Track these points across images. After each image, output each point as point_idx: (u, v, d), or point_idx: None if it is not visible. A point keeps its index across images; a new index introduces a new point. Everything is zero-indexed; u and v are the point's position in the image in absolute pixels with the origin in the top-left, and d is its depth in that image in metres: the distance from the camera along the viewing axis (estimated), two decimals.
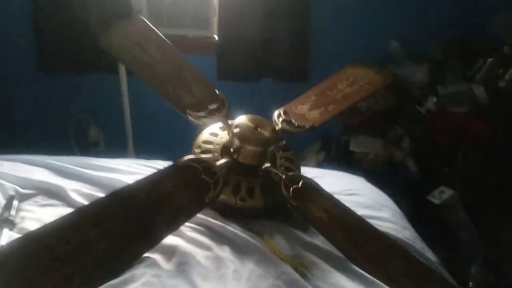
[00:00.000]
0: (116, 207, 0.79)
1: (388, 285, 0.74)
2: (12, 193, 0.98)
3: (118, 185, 1.01)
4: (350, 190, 1.10)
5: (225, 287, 0.72)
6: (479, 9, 1.89)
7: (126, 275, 0.71)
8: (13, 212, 0.90)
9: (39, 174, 1.06)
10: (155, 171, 1.05)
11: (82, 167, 1.10)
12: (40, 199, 0.98)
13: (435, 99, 1.86)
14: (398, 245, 0.84)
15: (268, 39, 1.97)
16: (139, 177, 1.03)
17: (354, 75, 1.17)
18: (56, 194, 0.99)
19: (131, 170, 1.13)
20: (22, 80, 2.10)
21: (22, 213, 0.92)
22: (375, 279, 0.75)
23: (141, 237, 0.78)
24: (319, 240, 0.85)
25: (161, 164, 1.18)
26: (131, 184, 0.85)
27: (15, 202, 0.93)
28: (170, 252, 0.79)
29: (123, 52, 1.09)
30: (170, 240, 0.81)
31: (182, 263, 0.76)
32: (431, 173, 1.84)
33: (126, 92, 1.98)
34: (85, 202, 0.95)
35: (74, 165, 1.11)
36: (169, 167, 0.88)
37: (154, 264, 0.75)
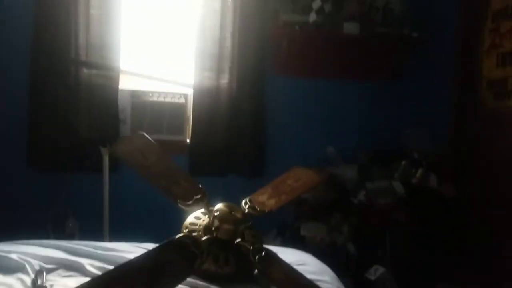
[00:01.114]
0: (131, 272, 1.10)
1: None
2: (37, 267, 1.24)
3: (122, 261, 1.31)
4: (300, 261, 1.45)
5: None
6: (394, 124, 2.48)
7: None
8: (44, 280, 1.16)
9: (56, 253, 1.33)
10: (145, 251, 1.37)
11: (89, 248, 1.39)
12: (61, 271, 1.25)
13: (364, 193, 2.33)
14: None
15: (231, 143, 2.43)
16: (136, 254, 1.34)
17: (299, 174, 1.61)
18: (74, 268, 1.26)
19: (128, 250, 1.42)
20: (10, 174, 2.34)
21: (49, 282, 1.18)
22: None
23: None
24: None
25: (150, 246, 1.47)
26: (139, 256, 1.16)
27: (44, 274, 1.20)
28: None
29: (129, 159, 1.46)
30: None
31: None
32: (367, 253, 2.22)
33: (107, 189, 2.30)
34: (99, 273, 1.22)
35: (82, 246, 1.40)
36: (166, 242, 1.20)
37: None
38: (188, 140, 2.47)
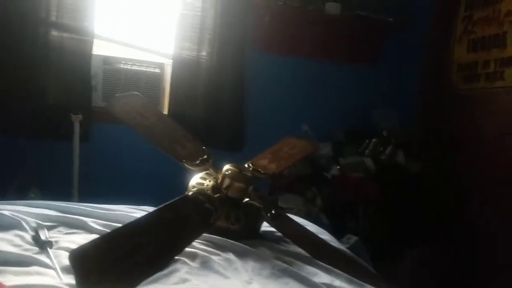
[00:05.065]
0: (150, 225, 1.07)
1: (333, 267, 1.12)
2: (34, 225, 1.15)
3: (128, 219, 1.26)
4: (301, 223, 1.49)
5: (240, 274, 1.03)
6: (366, 105, 2.60)
7: (170, 268, 0.98)
8: (47, 236, 1.09)
9: (50, 212, 1.25)
10: (145, 212, 1.33)
11: (86, 208, 1.32)
12: (61, 229, 1.17)
13: (338, 167, 2.43)
14: (332, 246, 1.26)
15: (209, 117, 2.40)
16: (139, 215, 1.31)
17: (293, 143, 1.65)
18: (76, 225, 1.19)
19: (127, 211, 1.37)
20: None
21: (52, 239, 1.10)
22: (329, 267, 1.13)
23: (171, 245, 1.06)
24: (291, 248, 1.22)
25: (148, 208, 1.43)
26: (154, 211, 1.13)
27: (45, 229, 1.12)
28: (193, 256, 1.07)
29: (128, 119, 1.40)
30: (188, 249, 1.09)
31: (204, 262, 1.05)
32: (338, 224, 2.33)
33: (77, 158, 2.18)
34: (107, 230, 1.17)
35: (77, 206, 1.32)
36: (181, 197, 1.19)
37: (185, 263, 1.03)
38: (164, 112, 2.40)
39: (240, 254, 1.13)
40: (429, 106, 2.49)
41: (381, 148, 2.49)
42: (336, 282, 1.06)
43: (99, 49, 2.35)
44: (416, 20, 2.46)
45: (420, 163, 2.40)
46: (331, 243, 1.38)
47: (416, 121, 2.51)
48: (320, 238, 1.27)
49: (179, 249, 1.06)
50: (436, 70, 2.42)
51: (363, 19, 2.39)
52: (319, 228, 1.55)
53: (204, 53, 2.40)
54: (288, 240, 1.28)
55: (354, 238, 2.21)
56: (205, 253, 1.10)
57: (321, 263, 1.15)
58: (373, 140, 2.49)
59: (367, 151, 2.49)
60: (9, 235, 1.07)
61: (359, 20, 2.39)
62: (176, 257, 1.04)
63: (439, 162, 2.37)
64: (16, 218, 1.14)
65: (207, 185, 1.34)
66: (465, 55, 2.22)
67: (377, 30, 2.50)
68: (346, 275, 1.10)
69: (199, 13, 2.36)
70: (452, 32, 2.30)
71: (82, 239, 1.11)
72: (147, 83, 2.43)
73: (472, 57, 2.16)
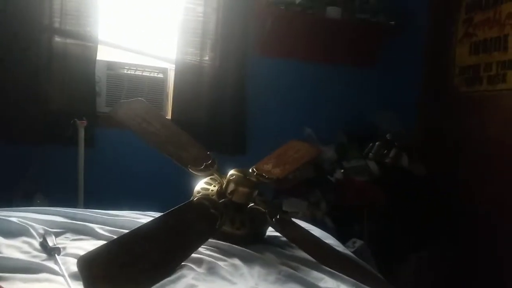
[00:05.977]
0: (156, 230, 1.08)
1: (339, 272, 1.13)
2: (41, 231, 1.16)
3: (134, 225, 1.27)
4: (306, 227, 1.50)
5: (246, 280, 1.03)
6: (368, 107, 2.61)
7: (177, 274, 0.98)
8: (55, 242, 1.09)
9: (58, 219, 1.26)
10: (150, 218, 1.34)
11: (92, 214, 1.33)
12: (69, 235, 1.18)
13: (342, 171, 2.44)
14: (338, 251, 1.26)
15: (213, 122, 2.41)
16: (144, 220, 1.32)
17: (297, 146, 1.65)
18: (83, 231, 1.20)
19: (133, 216, 1.38)
20: None
21: (60, 245, 1.11)
22: (335, 272, 1.13)
23: (177, 251, 1.07)
24: (296, 253, 1.22)
25: (154, 214, 1.44)
26: (159, 217, 1.14)
27: (53, 236, 1.13)
28: (199, 262, 1.08)
29: (132, 125, 1.41)
30: (194, 255, 1.10)
31: (210, 268, 1.06)
32: (344, 228, 2.33)
33: (82, 164, 2.19)
34: (113, 236, 1.18)
35: (83, 212, 1.33)
36: (186, 203, 1.19)
37: (192, 269, 1.04)
38: (168, 117, 2.41)
39: (246, 260, 1.13)
40: (430, 109, 2.50)
41: (385, 151, 2.49)
42: (342, 287, 1.06)
43: (102, 54, 2.36)
44: (417, 24, 2.47)
45: (424, 166, 2.40)
46: (336, 248, 1.38)
47: (418, 124, 2.52)
48: (325, 242, 1.27)
49: (185, 255, 1.07)
50: (437, 73, 2.43)
51: (364, 23, 2.40)
52: (324, 232, 1.55)
53: (206, 58, 2.42)
54: (293, 245, 1.28)
55: (359, 242, 2.21)
56: (211, 259, 1.10)
57: (326, 268, 1.15)
58: (377, 143, 2.50)
59: (371, 154, 2.50)
60: (17, 242, 1.08)
61: (360, 24, 2.40)
62: (183, 263, 1.05)
63: (442, 165, 2.38)
64: (24, 224, 1.16)
65: (212, 190, 1.34)
66: (467, 57, 2.23)
67: (377, 33, 2.51)
68: (352, 280, 1.10)
69: (201, 18, 2.37)
70: (453, 35, 2.31)
71: (89, 245, 1.11)
72: (150, 88, 2.45)
73: (473, 59, 2.17)
